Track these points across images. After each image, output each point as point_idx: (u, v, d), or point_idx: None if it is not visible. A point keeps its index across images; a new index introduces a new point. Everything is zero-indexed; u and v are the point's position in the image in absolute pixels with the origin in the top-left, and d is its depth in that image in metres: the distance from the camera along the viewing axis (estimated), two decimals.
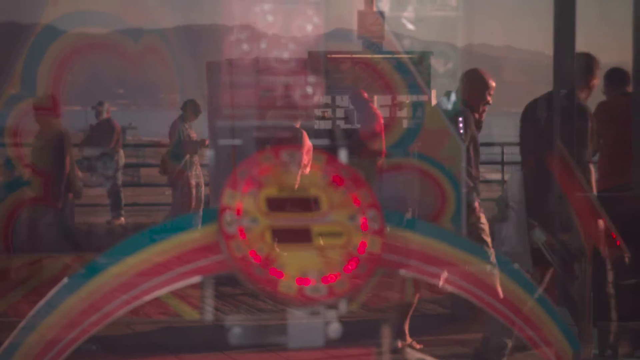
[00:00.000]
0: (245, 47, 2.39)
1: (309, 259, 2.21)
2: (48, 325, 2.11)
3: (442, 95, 2.93)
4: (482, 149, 3.50)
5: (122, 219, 5.79)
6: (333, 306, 2.37)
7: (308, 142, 2.46)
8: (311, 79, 2.45)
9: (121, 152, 6.25)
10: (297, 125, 2.47)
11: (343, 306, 2.46)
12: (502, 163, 8.44)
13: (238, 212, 2.22)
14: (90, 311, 2.14)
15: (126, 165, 5.43)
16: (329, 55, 2.64)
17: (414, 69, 2.89)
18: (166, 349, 2.41)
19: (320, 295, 2.17)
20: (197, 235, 2.24)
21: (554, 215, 3.13)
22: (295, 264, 2.20)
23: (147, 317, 2.35)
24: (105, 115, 5.61)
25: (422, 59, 2.95)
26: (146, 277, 2.19)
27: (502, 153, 8.35)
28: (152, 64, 2.55)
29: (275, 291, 2.16)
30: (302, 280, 2.18)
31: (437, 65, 2.96)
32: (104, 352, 2.36)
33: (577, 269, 2.89)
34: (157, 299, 2.30)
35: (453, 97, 2.94)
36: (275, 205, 2.25)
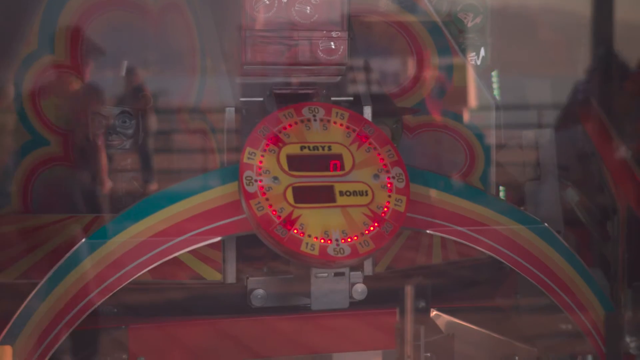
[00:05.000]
0: (266, 2, 2.33)
1: (332, 218, 2.17)
2: (66, 287, 2.08)
3: (472, 52, 2.87)
4: (517, 112, 3.43)
5: (156, 184, 5.79)
6: (357, 266, 2.33)
7: None
8: (336, 35, 2.38)
9: (153, 117, 6.25)
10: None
11: (367, 266, 2.42)
12: (538, 126, 8.39)
13: (259, 170, 2.18)
14: (110, 272, 2.11)
15: (158, 132, 5.38)
16: (357, 14, 2.58)
17: (443, 27, 2.82)
18: (188, 310, 2.37)
19: (343, 255, 2.13)
20: (217, 194, 2.20)
21: (587, 175, 3.07)
22: (318, 224, 2.15)
23: (168, 278, 2.32)
24: (135, 81, 5.57)
25: (451, 16, 2.88)
26: (166, 237, 2.15)
27: (538, 115, 8.30)
28: (175, 25, 2.51)
29: (297, 251, 2.12)
30: (325, 240, 2.13)
31: (466, 21, 2.89)
32: (124, 315, 2.33)
33: (611, 229, 2.83)
34: (178, 260, 2.26)
35: (482, 52, 2.88)
36: (297, 163, 2.21)
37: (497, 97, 3.03)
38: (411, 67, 2.70)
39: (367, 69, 2.56)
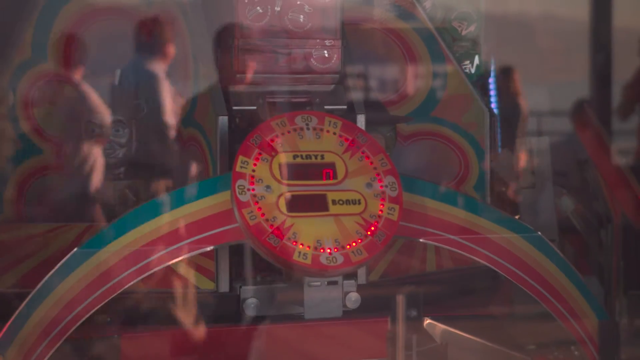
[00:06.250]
0: (259, 10, 2.33)
1: (325, 227, 2.16)
2: (58, 296, 2.07)
3: (466, 60, 2.86)
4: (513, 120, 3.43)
5: (148, 193, 5.77)
6: (349, 275, 2.32)
7: None
8: (330, 44, 2.38)
9: (146, 126, 6.22)
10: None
11: (360, 275, 2.41)
12: (538, 133, 8.36)
13: (251, 179, 2.17)
14: (102, 281, 2.11)
15: (151, 141, 5.33)
16: (351, 23, 2.58)
17: (438, 35, 2.82)
18: (181, 319, 2.36)
19: (336, 264, 2.12)
20: (210, 203, 2.19)
21: (582, 182, 3.06)
22: (311, 232, 2.15)
23: (161, 287, 2.31)
24: (128, 90, 5.55)
25: (445, 24, 2.88)
26: (158, 246, 2.15)
27: (537, 123, 8.27)
28: (167, 32, 2.51)
29: (290, 260, 2.11)
30: (317, 249, 2.13)
31: (460, 29, 2.88)
32: (117, 324, 2.32)
33: (606, 237, 2.83)
34: (171, 269, 2.26)
35: (477, 60, 2.87)
36: (290, 171, 2.20)
37: (492, 105, 3.03)
38: (405, 76, 2.70)
39: (360, 77, 2.56)
